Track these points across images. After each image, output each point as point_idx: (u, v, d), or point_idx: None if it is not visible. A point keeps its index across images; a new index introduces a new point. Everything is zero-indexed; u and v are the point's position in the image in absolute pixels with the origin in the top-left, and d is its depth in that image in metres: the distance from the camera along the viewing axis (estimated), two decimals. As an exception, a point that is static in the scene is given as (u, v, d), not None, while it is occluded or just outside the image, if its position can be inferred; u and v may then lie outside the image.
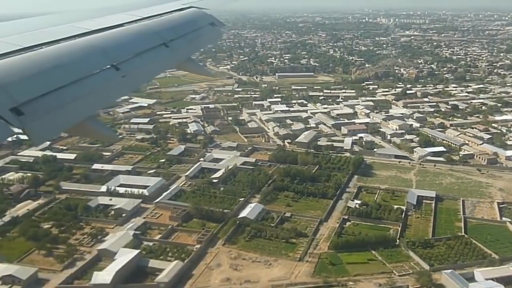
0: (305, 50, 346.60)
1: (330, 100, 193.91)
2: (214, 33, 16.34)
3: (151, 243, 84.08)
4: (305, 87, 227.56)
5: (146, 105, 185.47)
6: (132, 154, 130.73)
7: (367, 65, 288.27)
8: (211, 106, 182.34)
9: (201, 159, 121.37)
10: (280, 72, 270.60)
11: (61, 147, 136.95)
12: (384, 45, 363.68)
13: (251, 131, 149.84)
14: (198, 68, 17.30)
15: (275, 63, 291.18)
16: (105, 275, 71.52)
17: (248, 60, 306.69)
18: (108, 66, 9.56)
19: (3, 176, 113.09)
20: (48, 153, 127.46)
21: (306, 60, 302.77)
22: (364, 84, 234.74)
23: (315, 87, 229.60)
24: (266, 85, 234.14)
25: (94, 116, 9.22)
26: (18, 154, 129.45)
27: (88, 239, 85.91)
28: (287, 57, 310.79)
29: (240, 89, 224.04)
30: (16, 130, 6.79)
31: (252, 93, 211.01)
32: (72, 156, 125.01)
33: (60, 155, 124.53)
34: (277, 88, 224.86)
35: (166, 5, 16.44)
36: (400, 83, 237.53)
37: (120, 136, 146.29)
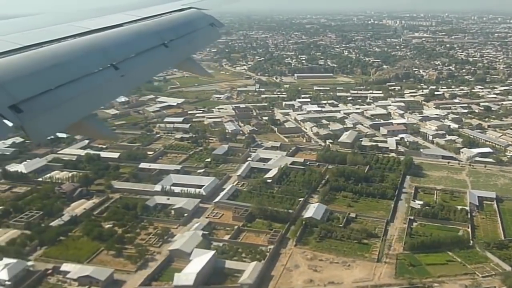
0: (318, 51, 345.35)
1: (359, 100, 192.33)
2: (214, 34, 16.20)
3: (220, 244, 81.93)
4: (328, 88, 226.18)
5: (175, 104, 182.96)
6: (175, 153, 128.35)
7: (384, 66, 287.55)
8: (241, 105, 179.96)
9: (249, 158, 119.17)
10: (298, 73, 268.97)
11: (100, 145, 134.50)
12: (397, 47, 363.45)
13: (289, 131, 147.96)
14: (198, 68, 16.91)
15: (293, 64, 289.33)
16: (187, 276, 69.28)
17: (264, 61, 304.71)
18: (108, 66, 9.49)
19: (50, 175, 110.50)
20: (88, 151, 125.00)
21: (323, 61, 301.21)
22: (386, 85, 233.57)
23: (337, 88, 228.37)
24: (288, 86, 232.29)
25: (93, 114, 9.14)
26: (58, 152, 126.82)
27: (155, 239, 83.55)
28: (303, 58, 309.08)
29: (263, 89, 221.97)
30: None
31: (279, 93, 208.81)
32: (115, 155, 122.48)
33: (103, 154, 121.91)
34: (300, 88, 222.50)
35: (165, 5, 16.34)
36: (422, 85, 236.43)
37: (158, 135, 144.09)
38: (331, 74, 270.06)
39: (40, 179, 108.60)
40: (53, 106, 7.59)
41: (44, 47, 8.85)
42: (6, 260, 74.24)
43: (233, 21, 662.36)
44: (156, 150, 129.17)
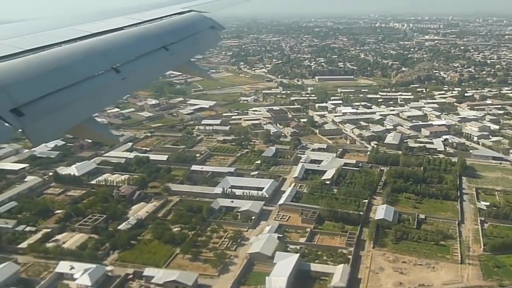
0: (334, 53, 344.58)
1: (391, 102, 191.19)
2: (214, 36, 16.27)
3: (297, 247, 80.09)
4: (352, 90, 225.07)
5: (207, 106, 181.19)
6: (221, 156, 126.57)
7: (403, 69, 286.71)
8: (274, 108, 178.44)
9: (302, 160, 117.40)
10: (319, 75, 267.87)
11: (144, 148, 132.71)
12: (411, 49, 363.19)
13: (330, 133, 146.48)
14: (199, 70, 17.11)
15: (312, 67, 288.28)
16: (279, 280, 67.41)
17: (282, 64, 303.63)
18: (109, 69, 9.51)
19: (102, 177, 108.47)
20: (137, 154, 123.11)
21: (342, 63, 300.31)
22: (410, 87, 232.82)
23: (362, 90, 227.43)
24: (312, 88, 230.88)
25: (94, 117, 9.08)
26: (104, 155, 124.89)
27: (229, 243, 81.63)
28: (321, 61, 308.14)
29: (288, 92, 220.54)
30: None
31: (307, 95, 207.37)
32: (164, 157, 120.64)
33: (152, 156, 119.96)
34: (327, 91, 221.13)
35: (166, 8, 16.41)
36: (446, 87, 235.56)
37: (199, 138, 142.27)
38: (352, 77, 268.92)
39: (93, 182, 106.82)
40: (54, 110, 7.58)
41: (45, 51, 8.83)
42: (84, 265, 72.54)
43: (240, 25, 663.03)
44: (202, 152, 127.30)
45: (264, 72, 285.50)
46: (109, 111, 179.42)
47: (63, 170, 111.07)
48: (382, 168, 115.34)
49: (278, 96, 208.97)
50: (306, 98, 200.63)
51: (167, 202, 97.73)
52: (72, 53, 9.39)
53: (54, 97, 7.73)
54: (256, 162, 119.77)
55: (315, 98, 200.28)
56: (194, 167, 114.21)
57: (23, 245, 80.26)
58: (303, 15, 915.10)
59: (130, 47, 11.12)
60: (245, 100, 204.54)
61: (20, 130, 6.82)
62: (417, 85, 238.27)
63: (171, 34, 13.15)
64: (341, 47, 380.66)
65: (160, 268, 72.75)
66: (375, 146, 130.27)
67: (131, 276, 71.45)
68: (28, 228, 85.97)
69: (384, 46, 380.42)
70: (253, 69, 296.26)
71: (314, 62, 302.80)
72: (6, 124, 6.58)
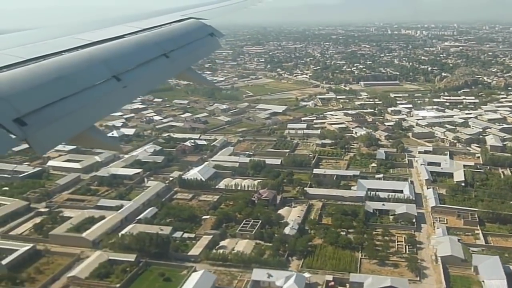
0: (365, 59, 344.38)
1: (460, 106, 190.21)
2: (213, 43, 16.30)
3: (475, 249, 77.19)
4: (406, 95, 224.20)
5: (281, 111, 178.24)
6: (331, 159, 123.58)
7: (443, 74, 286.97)
8: (351, 111, 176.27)
9: (421, 163, 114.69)
10: (363, 81, 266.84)
11: (246, 152, 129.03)
12: (440, 55, 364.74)
13: (423, 136, 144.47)
14: (200, 77, 16.93)
15: (356, 72, 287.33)
16: (497, 284, 64.38)
17: (321, 70, 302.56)
18: (110, 77, 9.55)
19: (224, 182, 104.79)
20: (253, 158, 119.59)
21: (382, 69, 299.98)
22: (462, 91, 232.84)
23: (414, 94, 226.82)
24: (365, 93, 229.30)
25: (95, 126, 9.00)
26: (211, 159, 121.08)
27: (406, 246, 78.44)
28: (360, 67, 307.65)
29: (343, 96, 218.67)
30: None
31: (370, 100, 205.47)
32: (277, 161, 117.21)
33: (268, 160, 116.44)
34: (388, 96, 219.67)
35: (165, 16, 16.56)
36: (497, 91, 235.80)
37: (295, 141, 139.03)
38: (397, 82, 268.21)
39: (221, 186, 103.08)
40: (57, 119, 7.61)
41: (46, 60, 8.85)
42: (280, 272, 68.82)
43: (250, 32, 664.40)
44: (311, 155, 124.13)
45: (306, 78, 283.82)
46: (182, 115, 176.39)
47: (181, 175, 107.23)
48: (502, 170, 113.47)
49: (342, 101, 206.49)
50: (372, 102, 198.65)
51: (311, 206, 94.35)
52: (73, 62, 9.38)
53: (56, 106, 7.71)
54: (372, 165, 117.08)
55: (379, 102, 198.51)
56: (316, 171, 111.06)
57: (192, 252, 76.51)
58: (307, 23, 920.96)
59: (131, 55, 11.13)
60: (305, 105, 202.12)
61: (22, 139, 6.75)
62: (468, 90, 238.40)
63: (171, 41, 13.16)
64: (369, 54, 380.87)
65: (358, 274, 69.40)
66: (486, 148, 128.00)
67: (332, 283, 67.80)
68: (186, 235, 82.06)
69: (414, 52, 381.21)
70: (293, 75, 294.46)
71: (354, 68, 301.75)
72: (10, 134, 6.57)
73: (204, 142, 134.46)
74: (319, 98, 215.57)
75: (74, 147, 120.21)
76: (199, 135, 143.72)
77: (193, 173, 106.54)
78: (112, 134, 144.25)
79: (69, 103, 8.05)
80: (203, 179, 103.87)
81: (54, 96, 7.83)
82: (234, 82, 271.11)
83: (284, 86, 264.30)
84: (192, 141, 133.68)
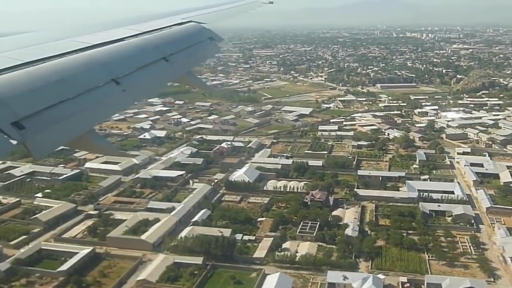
0: (377, 62, 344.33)
1: (486, 107, 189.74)
2: (213, 47, 16.24)
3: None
4: (426, 97, 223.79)
5: (307, 113, 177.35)
6: (370, 160, 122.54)
7: (458, 76, 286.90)
8: (378, 113, 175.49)
9: (465, 164, 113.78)
10: (379, 83, 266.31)
11: (283, 154, 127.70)
12: (452, 58, 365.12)
13: (457, 137, 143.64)
14: (198, 81, 16.90)
15: (371, 74, 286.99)
16: None
17: (335, 72, 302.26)
18: (109, 81, 9.45)
19: (270, 183, 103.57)
20: (295, 160, 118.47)
21: (397, 71, 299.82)
22: (480, 93, 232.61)
23: (434, 97, 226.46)
24: (385, 95, 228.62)
25: (94, 129, 8.96)
26: (251, 161, 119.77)
27: (472, 247, 77.35)
28: (375, 69, 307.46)
29: (363, 99, 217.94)
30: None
31: (393, 102, 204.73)
32: (319, 162, 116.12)
33: (311, 162, 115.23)
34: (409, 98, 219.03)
35: (165, 19, 16.41)
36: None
37: (329, 143, 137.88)
38: (414, 84, 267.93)
39: (269, 188, 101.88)
40: (55, 122, 7.55)
41: (45, 63, 8.81)
42: (357, 274, 67.67)
43: (255, 36, 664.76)
44: (349, 157, 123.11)
45: (321, 80, 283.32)
46: (209, 118, 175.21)
47: (226, 177, 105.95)
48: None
49: (359, 103, 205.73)
50: (395, 104, 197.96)
51: (363, 208, 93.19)
52: (72, 65, 9.30)
53: (54, 109, 7.63)
54: (414, 166, 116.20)
55: (403, 104, 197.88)
56: (361, 172, 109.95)
57: (257, 254, 75.16)
58: (309, 26, 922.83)
59: (130, 59, 11.05)
60: (327, 107, 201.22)
61: (20, 143, 6.66)
62: (486, 92, 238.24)
63: (170, 45, 13.06)
64: (379, 56, 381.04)
65: (434, 276, 68.18)
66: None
67: (407, 284, 66.55)
68: (246, 237, 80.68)
69: (426, 55, 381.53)
70: (308, 77, 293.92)
71: (369, 70, 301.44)
72: (7, 138, 6.52)
73: (241, 144, 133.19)
74: (340, 100, 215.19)
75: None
76: (232, 137, 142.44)
77: (239, 175, 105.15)
78: (144, 136, 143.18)
79: (68, 106, 8.00)
80: (250, 181, 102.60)
81: (52, 99, 7.77)
82: (249, 85, 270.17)
83: (301, 89, 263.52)
84: (229, 143, 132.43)
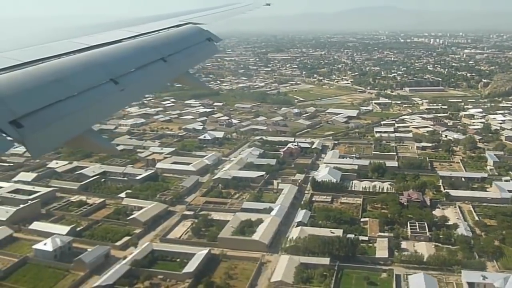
0: (397, 66, 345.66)
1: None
2: (211, 48, 16.45)
3: None
4: (460, 100, 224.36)
5: (355, 115, 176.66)
6: (442, 162, 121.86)
7: (483, 80, 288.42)
8: (426, 115, 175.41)
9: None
10: (407, 87, 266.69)
11: (350, 154, 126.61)
12: (470, 62, 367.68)
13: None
14: (197, 82, 17.34)
15: (398, 78, 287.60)
16: None
17: (359, 76, 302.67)
18: (107, 80, 9.50)
19: (353, 184, 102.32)
20: (374, 160, 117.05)
21: (425, 74, 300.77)
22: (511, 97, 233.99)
23: (468, 100, 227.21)
24: (420, 99, 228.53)
25: (92, 128, 8.95)
26: (325, 162, 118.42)
27: None
28: (400, 73, 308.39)
29: (398, 102, 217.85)
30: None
31: (435, 105, 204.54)
32: (394, 163, 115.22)
33: (388, 163, 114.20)
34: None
35: (164, 21, 16.68)
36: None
37: (392, 144, 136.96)
38: (442, 88, 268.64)
39: (355, 189, 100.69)
40: (53, 121, 7.56)
41: (44, 63, 8.89)
42: (495, 274, 66.45)
43: (262, 40, 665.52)
44: (419, 158, 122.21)
45: (348, 83, 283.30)
46: (257, 119, 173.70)
47: (313, 178, 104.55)
48: None
49: (399, 106, 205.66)
50: (436, 107, 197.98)
51: (461, 208, 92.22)
52: (71, 65, 9.39)
53: (53, 108, 7.66)
54: (489, 167, 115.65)
55: (445, 107, 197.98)
56: (442, 173, 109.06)
57: (379, 254, 73.64)
58: (311, 31, 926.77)
59: (128, 59, 11.13)
60: (367, 109, 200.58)
61: (19, 141, 6.71)
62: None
63: (168, 46, 13.23)
64: (396, 60, 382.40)
65: None
66: None
67: (547, 285, 65.49)
68: (360, 238, 79.17)
69: (444, 59, 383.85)
70: (334, 81, 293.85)
71: (394, 74, 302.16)
72: (5, 136, 6.54)
73: (307, 145, 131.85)
74: (375, 103, 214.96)
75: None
76: (293, 138, 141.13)
77: (323, 175, 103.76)
78: (204, 136, 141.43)
79: (66, 105, 7.98)
80: (337, 181, 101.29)
81: (51, 99, 7.74)
82: (276, 88, 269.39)
83: (329, 92, 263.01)
84: (295, 143, 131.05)
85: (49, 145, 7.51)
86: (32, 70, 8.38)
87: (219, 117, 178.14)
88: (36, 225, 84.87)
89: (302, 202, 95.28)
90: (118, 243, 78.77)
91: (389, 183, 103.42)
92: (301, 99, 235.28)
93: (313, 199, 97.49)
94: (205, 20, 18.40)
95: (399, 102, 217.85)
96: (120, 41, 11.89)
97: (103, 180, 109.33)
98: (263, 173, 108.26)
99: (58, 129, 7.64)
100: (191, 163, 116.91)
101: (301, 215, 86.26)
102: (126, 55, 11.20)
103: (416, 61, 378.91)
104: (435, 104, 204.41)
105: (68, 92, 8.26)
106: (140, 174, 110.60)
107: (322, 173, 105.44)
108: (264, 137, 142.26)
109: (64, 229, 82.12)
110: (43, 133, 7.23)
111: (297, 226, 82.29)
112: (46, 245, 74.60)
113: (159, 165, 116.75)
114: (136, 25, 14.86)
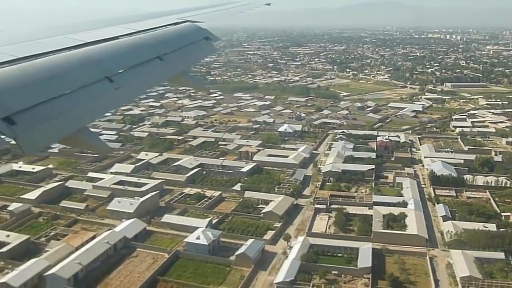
0: (426, 61, 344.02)
1: None
2: (209, 47, 16.17)
3: None
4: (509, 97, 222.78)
5: (421, 109, 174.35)
6: None
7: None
8: (495, 111, 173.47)
9: None
10: (447, 82, 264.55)
11: (444, 148, 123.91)
12: (500, 58, 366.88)
13: None
14: (194, 80, 16.74)
15: (437, 73, 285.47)
16: None
17: (393, 70, 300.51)
18: (102, 78, 9.28)
19: (478, 179, 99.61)
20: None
21: (465, 70, 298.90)
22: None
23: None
24: (468, 94, 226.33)
25: (87, 127, 8.73)
26: (426, 156, 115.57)
27: None
28: (435, 67, 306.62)
29: (447, 97, 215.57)
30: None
31: (488, 100, 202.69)
32: (498, 158, 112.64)
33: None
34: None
35: (162, 18, 16.45)
36: None
37: (478, 139, 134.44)
38: (485, 84, 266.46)
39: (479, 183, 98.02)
40: (47, 118, 7.39)
41: (38, 59, 8.65)
42: None
43: (270, 35, 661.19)
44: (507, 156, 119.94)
45: (386, 78, 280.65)
46: (323, 112, 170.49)
47: (432, 171, 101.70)
48: None
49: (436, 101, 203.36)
50: (495, 102, 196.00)
51: None
52: (65, 61, 9.14)
53: (46, 105, 7.46)
54: None
55: (498, 103, 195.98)
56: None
57: None
58: (317, 26, 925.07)
59: (124, 57, 10.94)
60: (420, 104, 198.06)
61: (10, 138, 6.49)
62: None
63: (165, 44, 13.02)
64: (422, 56, 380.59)
65: None
66: None
67: None
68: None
69: (473, 55, 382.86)
70: (372, 76, 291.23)
71: (433, 69, 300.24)
72: None
73: (397, 139, 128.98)
74: (425, 98, 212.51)
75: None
76: (376, 132, 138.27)
77: (439, 169, 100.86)
78: (285, 129, 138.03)
79: (60, 103, 7.83)
80: (455, 175, 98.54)
81: (44, 96, 7.61)
82: (311, 82, 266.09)
83: (368, 86, 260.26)
84: (386, 137, 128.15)
85: (42, 142, 7.31)
86: (26, 66, 8.16)
87: (280, 110, 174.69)
88: (168, 218, 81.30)
89: (427, 196, 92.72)
90: (266, 237, 75.37)
91: (505, 178, 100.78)
92: (346, 93, 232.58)
93: (437, 193, 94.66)
94: (203, 18, 18.13)
95: (448, 97, 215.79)
96: (116, 38, 11.64)
97: (204, 172, 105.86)
98: (373, 166, 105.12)
99: (51, 126, 7.44)
100: (288, 156, 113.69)
101: (441, 209, 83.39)
102: (122, 53, 10.99)
103: (445, 57, 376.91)
104: (492, 100, 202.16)
105: (62, 89, 8.06)
106: (242, 167, 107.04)
107: (437, 167, 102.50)
108: (345, 131, 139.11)
109: (201, 222, 78.51)
110: (37, 131, 7.01)
111: (444, 221, 79.49)
112: (200, 239, 71.07)
113: (256, 157, 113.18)
114: (133, 22, 14.57)
